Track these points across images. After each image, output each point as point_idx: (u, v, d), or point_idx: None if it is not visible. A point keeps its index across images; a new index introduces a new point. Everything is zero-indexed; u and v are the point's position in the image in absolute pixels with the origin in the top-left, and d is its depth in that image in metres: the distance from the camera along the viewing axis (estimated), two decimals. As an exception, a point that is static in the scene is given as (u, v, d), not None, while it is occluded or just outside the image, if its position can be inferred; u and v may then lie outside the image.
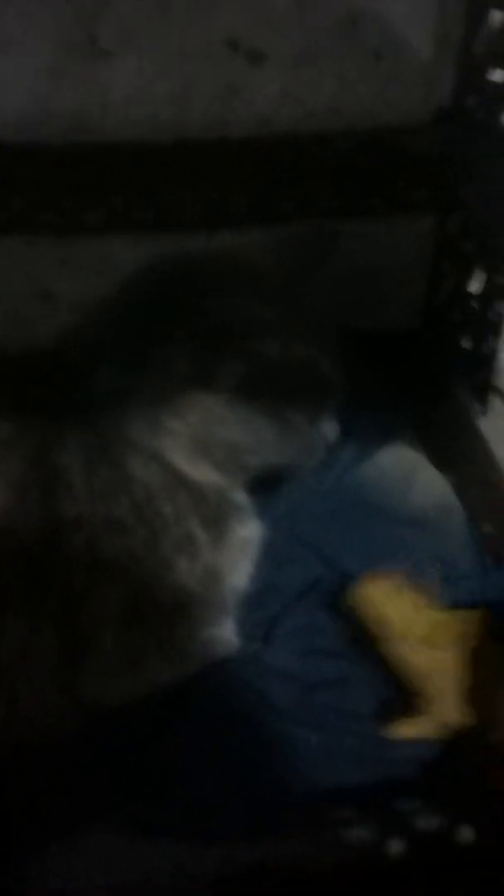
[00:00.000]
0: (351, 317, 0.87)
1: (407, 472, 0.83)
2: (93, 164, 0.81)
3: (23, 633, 0.63)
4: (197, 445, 0.71)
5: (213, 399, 0.70)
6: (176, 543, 0.68)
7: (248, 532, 0.74)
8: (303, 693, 0.67)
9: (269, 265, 0.76)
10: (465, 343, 0.91)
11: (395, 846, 0.53)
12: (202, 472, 0.71)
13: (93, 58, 0.78)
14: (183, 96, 0.82)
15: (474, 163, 0.84)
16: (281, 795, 0.61)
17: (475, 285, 0.90)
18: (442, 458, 0.86)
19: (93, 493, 0.67)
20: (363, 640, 0.70)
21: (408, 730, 0.65)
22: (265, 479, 0.77)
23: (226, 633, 0.69)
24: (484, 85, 0.82)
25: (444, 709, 0.65)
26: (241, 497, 0.74)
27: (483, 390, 0.90)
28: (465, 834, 0.55)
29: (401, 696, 0.66)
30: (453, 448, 0.87)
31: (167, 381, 0.69)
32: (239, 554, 0.72)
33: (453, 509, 0.81)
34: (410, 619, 0.69)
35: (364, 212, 0.89)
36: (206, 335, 0.69)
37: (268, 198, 0.86)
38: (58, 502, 0.66)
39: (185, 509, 0.70)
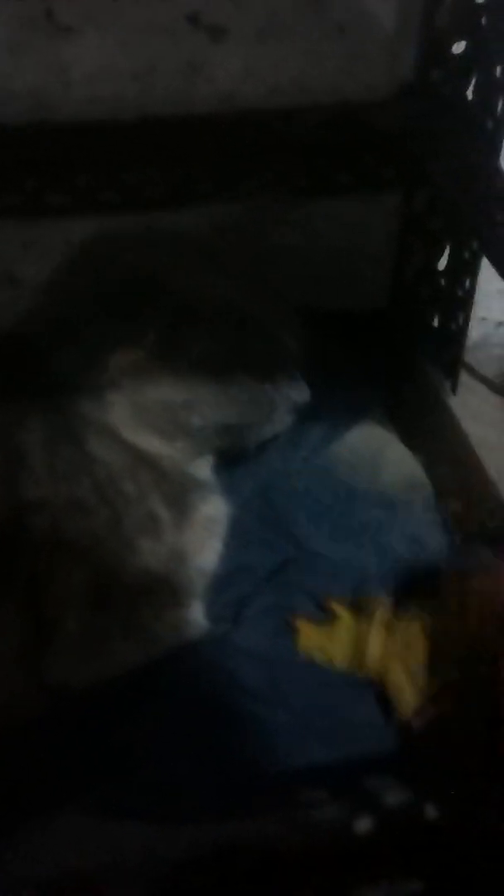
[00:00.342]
0: (319, 296, 0.87)
1: (376, 450, 0.83)
2: (55, 143, 0.79)
3: None
4: (136, 411, 0.70)
5: (141, 359, 0.70)
6: (139, 523, 0.69)
7: (213, 510, 0.73)
8: (272, 674, 0.67)
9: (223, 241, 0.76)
10: (434, 320, 0.91)
11: (364, 824, 0.54)
12: (147, 440, 0.70)
13: (53, 34, 0.77)
14: (145, 73, 0.80)
15: (440, 138, 0.83)
16: (251, 776, 0.61)
17: (443, 262, 0.90)
18: (412, 436, 0.86)
19: (54, 474, 0.67)
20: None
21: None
22: (230, 452, 0.76)
23: (194, 615, 0.69)
24: (447, 58, 0.81)
25: (400, 693, 0.67)
26: (202, 473, 0.74)
27: (452, 367, 0.90)
28: (431, 811, 0.56)
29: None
30: (423, 426, 0.86)
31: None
32: (204, 533, 0.72)
33: (422, 487, 0.81)
34: (334, 644, 0.70)
35: (332, 189, 0.88)
36: (176, 313, 0.69)
37: (234, 175, 0.84)
38: (20, 484, 0.66)
39: (147, 487, 0.70)
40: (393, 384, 0.90)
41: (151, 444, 0.70)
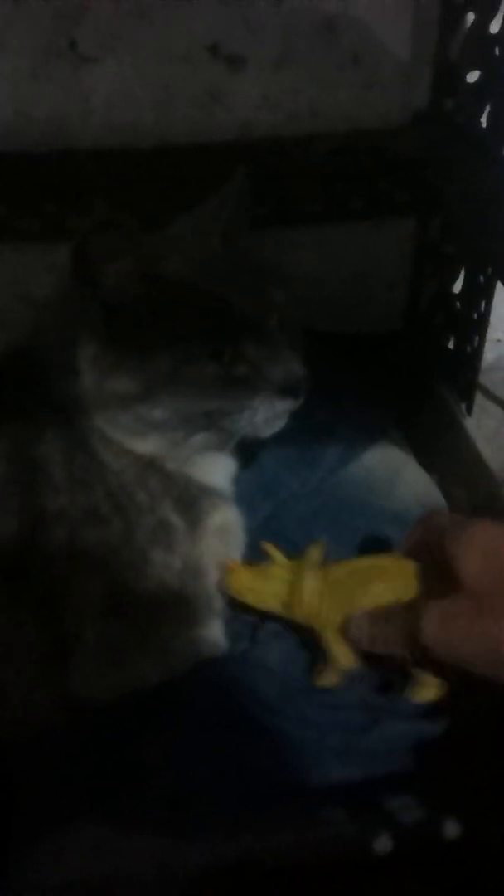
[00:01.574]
0: (334, 319, 0.87)
1: (393, 470, 0.82)
2: (74, 170, 0.80)
3: (6, 629, 0.62)
4: (105, 409, 0.67)
5: (97, 350, 0.66)
6: (151, 533, 0.67)
7: (225, 519, 0.71)
8: (288, 689, 0.66)
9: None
10: (450, 343, 0.91)
11: (381, 842, 0.53)
12: (129, 441, 0.68)
13: (74, 63, 0.78)
14: (164, 102, 0.81)
15: (454, 164, 0.84)
16: (267, 791, 0.59)
17: (458, 285, 0.90)
18: (427, 457, 0.86)
19: (72, 482, 0.66)
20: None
21: (323, 679, 0.64)
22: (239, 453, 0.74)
23: (213, 635, 0.68)
24: (460, 87, 0.82)
25: (332, 644, 0.63)
26: (212, 479, 0.72)
27: (468, 389, 0.89)
28: (451, 828, 0.55)
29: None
30: (438, 447, 0.86)
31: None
32: (218, 544, 0.70)
33: (437, 508, 0.80)
34: (266, 586, 0.66)
35: (347, 215, 0.89)
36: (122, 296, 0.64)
37: (251, 202, 0.86)
38: (38, 494, 0.65)
39: (157, 494, 0.68)
40: (408, 406, 0.90)
41: (134, 444, 0.68)
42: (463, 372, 0.89)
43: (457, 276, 0.90)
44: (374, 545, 0.73)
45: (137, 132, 0.81)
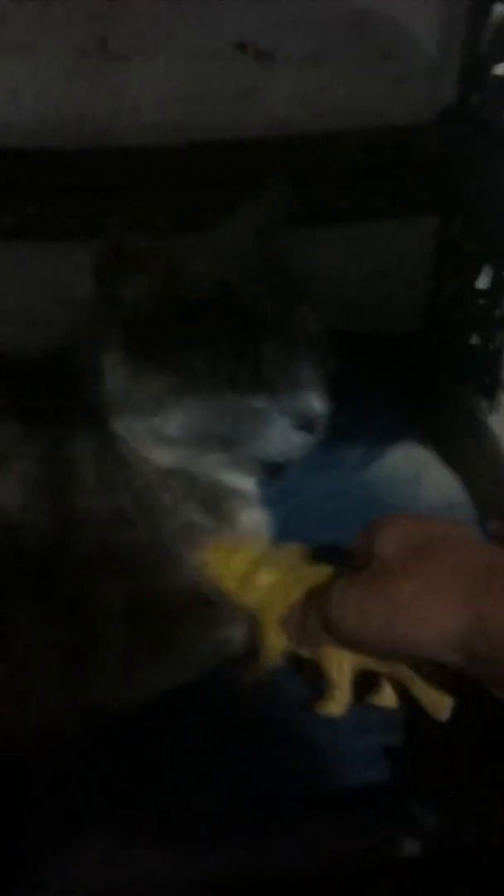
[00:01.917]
0: (356, 318, 0.87)
1: (416, 470, 0.83)
2: (106, 168, 0.80)
3: (30, 630, 0.63)
4: (121, 415, 0.68)
5: (118, 361, 0.66)
6: (179, 534, 0.67)
7: (253, 520, 0.71)
8: (313, 691, 0.63)
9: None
10: (472, 341, 0.91)
11: (409, 845, 0.54)
12: (146, 450, 0.68)
13: (106, 62, 0.77)
14: (194, 99, 0.81)
15: (477, 161, 0.83)
16: (292, 795, 0.60)
17: (483, 282, 0.90)
18: (451, 456, 0.86)
19: (102, 483, 0.67)
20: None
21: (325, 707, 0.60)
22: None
23: (235, 636, 0.67)
24: (487, 81, 0.81)
25: (267, 637, 0.59)
26: (239, 482, 0.72)
27: (491, 387, 0.89)
28: (471, 832, 0.55)
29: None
30: (462, 446, 0.86)
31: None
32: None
33: (462, 506, 0.81)
34: (230, 564, 0.63)
35: (371, 213, 0.89)
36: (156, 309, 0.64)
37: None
38: (69, 495, 0.66)
39: (181, 495, 0.69)
40: (431, 405, 0.91)
41: (149, 454, 0.68)
42: (486, 370, 0.89)
43: (478, 274, 0.90)
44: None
45: (167, 130, 0.81)
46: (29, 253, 0.86)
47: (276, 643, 0.59)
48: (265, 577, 0.60)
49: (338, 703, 0.56)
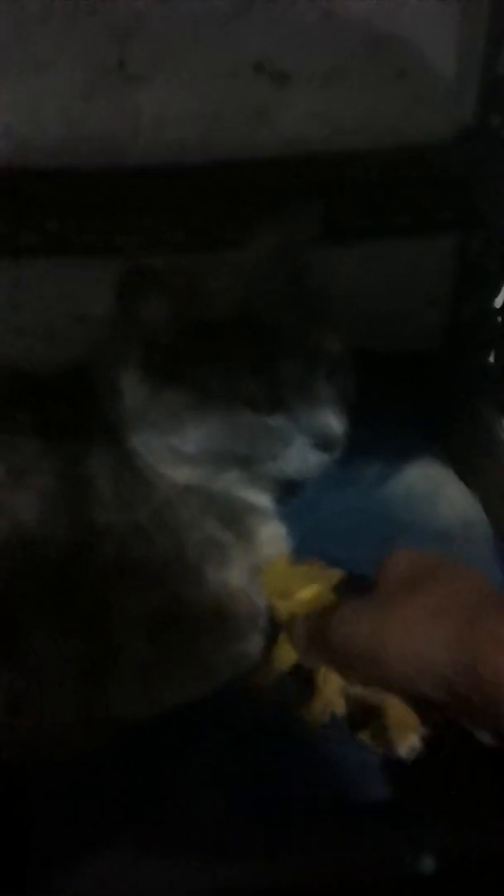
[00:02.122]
0: (375, 335, 0.87)
1: (433, 487, 0.83)
2: (125, 186, 0.80)
3: (51, 642, 0.63)
4: (139, 433, 0.68)
5: (136, 379, 0.67)
6: (201, 549, 0.68)
7: (273, 533, 0.72)
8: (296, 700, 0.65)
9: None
10: (490, 358, 0.91)
11: (424, 862, 0.53)
12: (163, 467, 0.69)
13: (124, 81, 0.78)
14: (212, 118, 0.81)
15: (497, 180, 0.84)
16: (306, 809, 0.60)
17: (499, 301, 0.90)
18: (468, 474, 0.86)
19: (120, 498, 0.67)
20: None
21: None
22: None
23: (254, 650, 0.68)
24: (507, 103, 0.82)
25: (282, 647, 0.62)
26: (257, 498, 0.73)
27: (508, 406, 0.89)
28: (484, 847, 0.54)
29: None
30: (479, 464, 0.86)
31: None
32: (262, 557, 0.70)
33: (478, 524, 0.80)
34: (275, 577, 0.66)
35: (389, 231, 0.89)
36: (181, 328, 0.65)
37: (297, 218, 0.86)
38: (88, 510, 0.66)
39: (199, 511, 0.69)
40: (449, 422, 0.90)
41: (166, 471, 0.69)
42: (503, 388, 0.88)
43: (498, 292, 0.90)
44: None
45: (186, 149, 0.81)
46: (49, 269, 0.86)
47: (286, 653, 0.61)
48: (304, 593, 0.62)
49: (314, 715, 0.57)
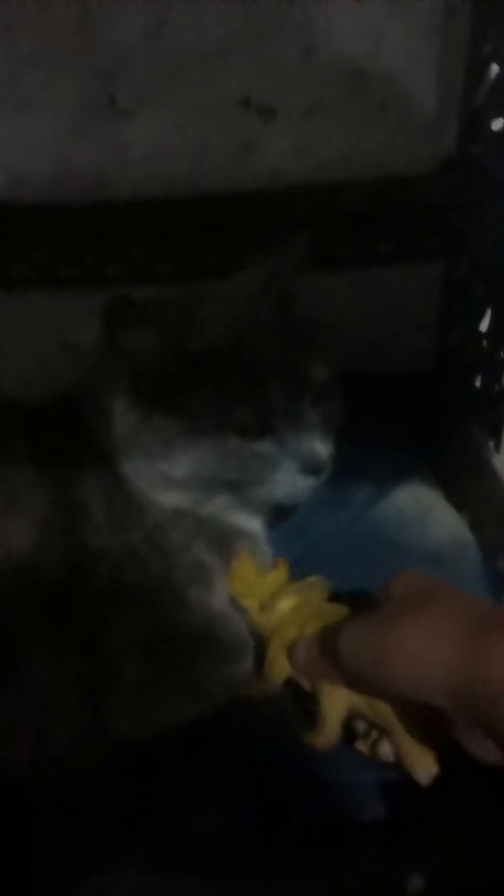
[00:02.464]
0: (363, 360, 0.88)
1: (423, 510, 0.83)
2: (113, 219, 0.82)
3: (50, 664, 0.63)
4: (129, 458, 0.69)
5: (128, 408, 0.68)
6: (188, 572, 0.68)
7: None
8: (301, 725, 0.63)
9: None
10: (477, 382, 0.92)
11: (414, 881, 0.53)
12: (154, 493, 0.70)
13: (112, 117, 0.80)
14: (198, 152, 0.83)
15: (481, 209, 0.85)
16: (300, 830, 0.60)
17: (484, 325, 0.91)
18: (457, 496, 0.86)
19: (112, 522, 0.68)
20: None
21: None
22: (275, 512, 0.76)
23: (247, 672, 0.68)
24: (487, 134, 0.83)
25: (274, 659, 0.62)
26: (247, 523, 0.73)
27: (496, 427, 0.90)
28: (476, 867, 0.54)
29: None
30: (468, 486, 0.86)
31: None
32: None
33: (469, 546, 0.81)
34: (255, 585, 0.66)
35: (376, 259, 0.90)
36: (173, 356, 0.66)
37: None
38: (80, 534, 0.67)
39: (190, 534, 0.70)
40: (438, 445, 0.91)
41: (157, 496, 0.69)
42: (492, 410, 0.89)
43: (483, 317, 0.91)
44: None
45: (173, 182, 0.83)
46: (38, 300, 0.88)
47: (280, 667, 0.61)
48: (285, 603, 0.63)
49: (325, 738, 0.57)
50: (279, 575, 0.66)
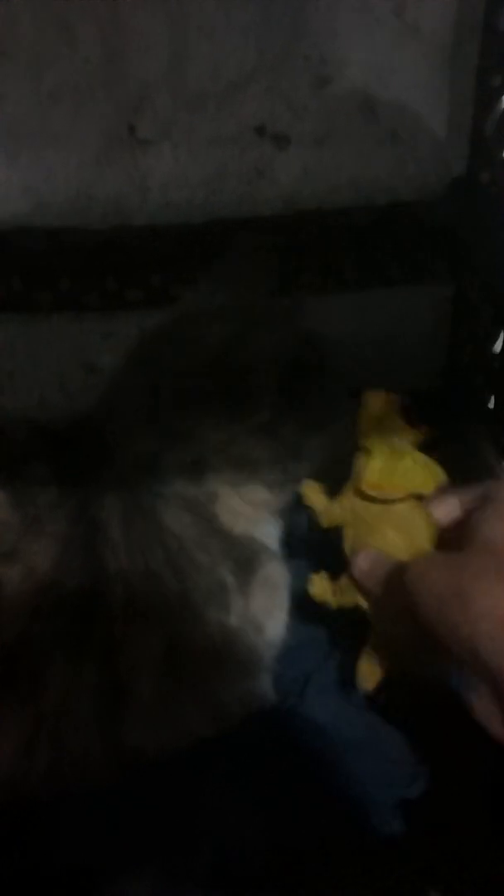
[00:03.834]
0: (372, 381, 0.89)
1: (435, 527, 0.83)
2: (133, 245, 0.83)
3: (68, 676, 0.63)
4: (233, 491, 0.70)
5: (233, 438, 0.69)
6: (207, 592, 0.68)
7: (272, 573, 0.71)
8: (336, 744, 0.65)
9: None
10: (490, 402, 0.92)
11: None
12: (236, 522, 0.70)
13: (133, 148, 0.81)
14: (215, 180, 0.84)
15: (490, 232, 0.86)
16: (314, 846, 0.60)
17: (497, 346, 0.91)
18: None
19: (130, 545, 0.68)
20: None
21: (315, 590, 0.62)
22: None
23: (262, 689, 0.68)
24: (496, 161, 0.83)
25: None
26: (267, 537, 0.73)
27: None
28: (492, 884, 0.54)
29: None
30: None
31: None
32: (267, 600, 0.70)
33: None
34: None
35: (385, 282, 0.91)
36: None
37: (296, 270, 0.88)
38: (99, 555, 0.67)
39: (219, 556, 0.69)
40: (448, 463, 0.91)
41: (237, 524, 0.70)
42: (502, 430, 0.89)
43: (495, 338, 0.91)
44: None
45: (190, 208, 0.84)
46: (60, 323, 0.88)
47: (373, 672, 0.59)
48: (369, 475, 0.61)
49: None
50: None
